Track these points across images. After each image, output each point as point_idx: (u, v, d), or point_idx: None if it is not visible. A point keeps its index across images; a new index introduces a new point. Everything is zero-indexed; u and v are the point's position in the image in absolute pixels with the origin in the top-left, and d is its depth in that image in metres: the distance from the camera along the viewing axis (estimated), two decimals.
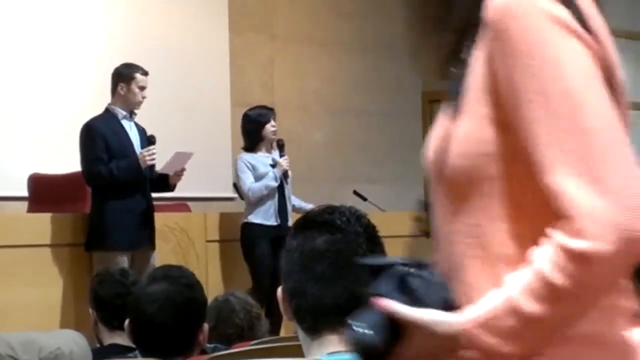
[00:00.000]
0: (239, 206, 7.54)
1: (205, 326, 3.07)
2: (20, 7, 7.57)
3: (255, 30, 9.03)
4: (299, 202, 7.20)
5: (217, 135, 8.48)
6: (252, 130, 7.05)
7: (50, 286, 6.22)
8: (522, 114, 1.43)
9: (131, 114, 6.44)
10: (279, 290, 2.02)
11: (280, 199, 7.00)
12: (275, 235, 6.75)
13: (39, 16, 7.65)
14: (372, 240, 2.01)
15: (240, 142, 7.25)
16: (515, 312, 1.41)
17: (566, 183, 1.39)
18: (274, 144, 7.12)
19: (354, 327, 1.47)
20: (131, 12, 8.17)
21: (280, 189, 7.01)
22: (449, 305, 1.47)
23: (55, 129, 7.49)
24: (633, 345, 1.50)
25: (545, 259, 1.40)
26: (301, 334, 2.03)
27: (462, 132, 1.51)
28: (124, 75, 6.39)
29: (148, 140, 6.40)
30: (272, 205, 6.95)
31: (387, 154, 9.68)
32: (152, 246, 6.36)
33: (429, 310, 1.45)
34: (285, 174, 7.03)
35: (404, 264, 1.48)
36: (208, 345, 3.31)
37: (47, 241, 6.29)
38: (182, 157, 6.56)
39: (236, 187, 7.43)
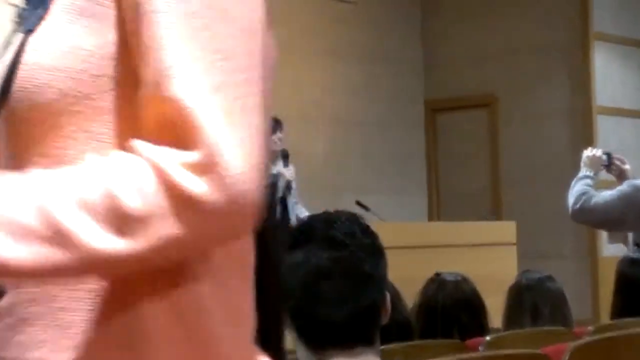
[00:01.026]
0: None
1: None
2: None
3: None
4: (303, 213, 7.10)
5: None
6: None
7: None
8: (149, 17, 1.05)
9: None
10: None
11: (283, 211, 6.94)
12: None
13: None
14: (375, 250, 1.97)
15: None
16: (50, 225, 0.99)
17: (200, 100, 1.02)
18: (278, 155, 7.05)
19: None
20: None
21: (282, 200, 6.95)
22: None
23: None
24: None
25: (126, 175, 1.00)
26: (303, 353, 1.98)
27: (50, 40, 1.09)
28: None
29: None
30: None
31: (389, 164, 9.65)
32: None
33: None
34: (288, 185, 6.96)
35: None
36: None
37: None
38: None
39: None
